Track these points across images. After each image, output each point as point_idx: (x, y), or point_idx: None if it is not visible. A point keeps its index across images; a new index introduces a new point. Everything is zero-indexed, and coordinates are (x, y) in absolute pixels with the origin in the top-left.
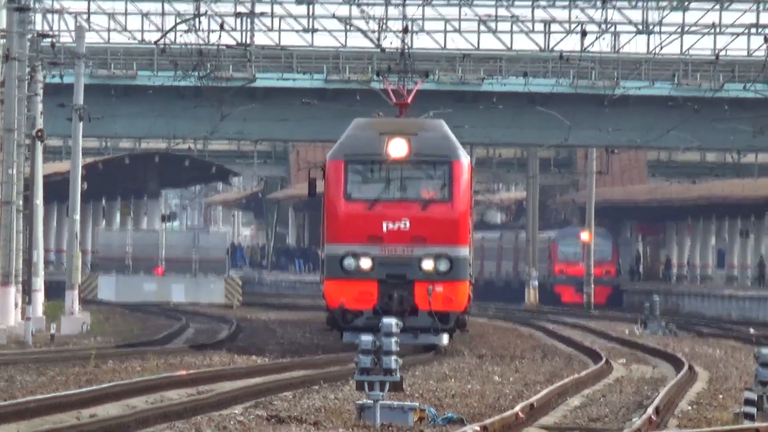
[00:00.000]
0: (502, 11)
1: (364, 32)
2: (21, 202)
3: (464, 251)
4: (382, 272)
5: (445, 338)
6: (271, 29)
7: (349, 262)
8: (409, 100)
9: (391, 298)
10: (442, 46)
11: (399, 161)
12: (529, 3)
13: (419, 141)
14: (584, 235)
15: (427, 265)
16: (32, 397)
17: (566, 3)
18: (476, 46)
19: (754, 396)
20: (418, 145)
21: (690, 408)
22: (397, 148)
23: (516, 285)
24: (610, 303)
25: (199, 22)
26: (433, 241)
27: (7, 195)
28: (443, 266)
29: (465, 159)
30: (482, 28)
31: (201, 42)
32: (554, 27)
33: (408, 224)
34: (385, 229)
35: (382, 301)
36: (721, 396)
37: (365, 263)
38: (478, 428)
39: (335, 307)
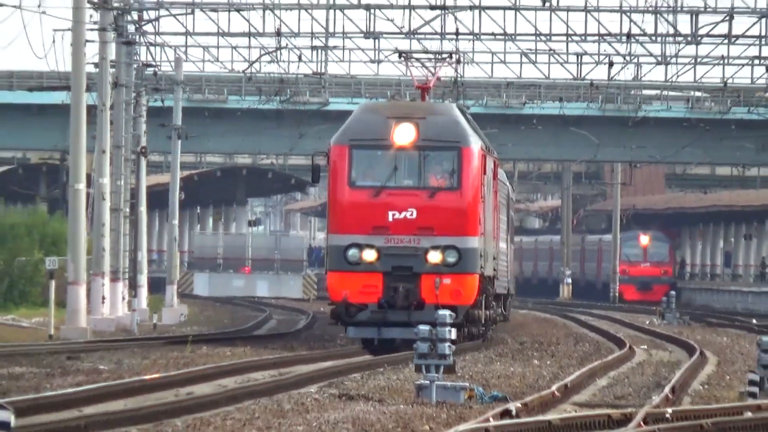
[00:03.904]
0: (541, 45)
1: (422, 62)
2: (128, 209)
3: (474, 242)
4: (387, 264)
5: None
6: (342, 60)
7: (352, 254)
8: (431, 84)
9: (397, 291)
10: (490, 75)
11: (406, 147)
12: (564, 38)
13: (427, 126)
14: (644, 239)
15: (435, 256)
16: (137, 377)
17: (596, 38)
18: (519, 75)
19: (756, 377)
20: (426, 131)
21: (701, 387)
22: (404, 133)
23: (552, 282)
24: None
25: (281, 54)
26: (441, 231)
27: (116, 203)
28: (451, 258)
29: (476, 145)
30: (524, 59)
31: (282, 71)
32: (585, 59)
33: (415, 213)
34: (390, 218)
35: (387, 295)
36: (728, 377)
37: (369, 255)
38: (519, 405)
39: (338, 301)
